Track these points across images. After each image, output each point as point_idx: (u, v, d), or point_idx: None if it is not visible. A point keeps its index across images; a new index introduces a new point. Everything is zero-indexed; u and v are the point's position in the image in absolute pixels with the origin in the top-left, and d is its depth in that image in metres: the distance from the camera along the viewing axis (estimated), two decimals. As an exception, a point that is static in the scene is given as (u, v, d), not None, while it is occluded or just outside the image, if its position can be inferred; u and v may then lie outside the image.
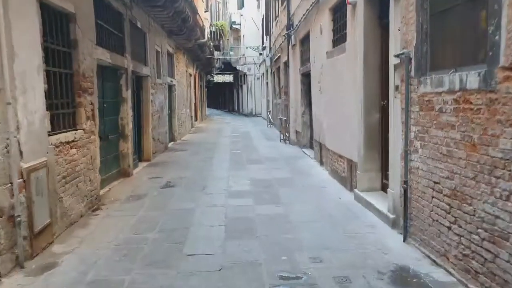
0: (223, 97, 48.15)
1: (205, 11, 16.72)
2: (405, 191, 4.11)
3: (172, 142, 13.31)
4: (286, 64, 13.38)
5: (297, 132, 12.05)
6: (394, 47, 4.34)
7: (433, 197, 3.60)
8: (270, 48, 20.00)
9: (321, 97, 8.07)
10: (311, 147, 10.66)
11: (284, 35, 12.97)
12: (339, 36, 6.79)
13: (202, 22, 14.96)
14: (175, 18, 10.80)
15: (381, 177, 5.49)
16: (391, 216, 4.51)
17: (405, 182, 4.10)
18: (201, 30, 15.32)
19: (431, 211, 3.58)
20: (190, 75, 18.89)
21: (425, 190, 3.74)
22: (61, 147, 4.48)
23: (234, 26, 34.79)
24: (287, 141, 12.69)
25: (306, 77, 10.74)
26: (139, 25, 8.70)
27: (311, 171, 7.88)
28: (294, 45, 11.65)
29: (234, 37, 36.70)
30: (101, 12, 6.25)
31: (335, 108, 6.80)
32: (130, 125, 7.84)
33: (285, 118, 13.16)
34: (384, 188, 5.42)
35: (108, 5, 6.69)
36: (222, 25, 21.37)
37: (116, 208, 5.48)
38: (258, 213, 5.11)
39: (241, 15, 32.83)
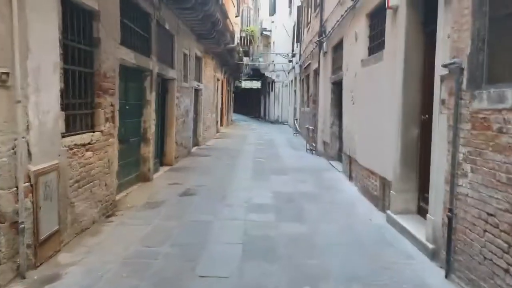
0: (250, 103, 47.99)
1: (236, 16, 16.52)
2: (450, 220, 3.61)
3: (196, 147, 13.09)
4: (316, 72, 12.95)
5: (324, 142, 11.57)
6: (442, 56, 3.87)
7: (485, 231, 3.10)
8: (300, 56, 19.62)
9: (353, 108, 7.60)
10: (339, 159, 10.16)
11: (315, 42, 12.56)
12: (376, 44, 6.34)
13: (232, 26, 14.75)
14: (205, 22, 10.58)
15: (417, 199, 4.97)
16: (431, 246, 4.01)
17: (450, 210, 3.61)
18: (231, 35, 15.12)
19: (483, 247, 3.08)
20: (218, 80, 18.72)
21: (475, 221, 3.25)
22: (75, 149, 4.24)
23: (264, 32, 34.61)
24: (314, 152, 12.23)
25: (337, 86, 10.28)
26: (167, 26, 8.50)
27: (338, 186, 7.40)
28: (325, 53, 11.22)
29: (264, 43, 36.52)
30: (127, 11, 6.04)
31: (369, 120, 6.33)
32: (153, 129, 7.60)
33: (312, 128, 12.71)
34: (420, 211, 4.91)
35: (136, 4, 6.49)
36: (252, 30, 21.16)
37: (131, 215, 5.20)
38: (280, 231, 4.70)
39: (272, 22, 32.60)
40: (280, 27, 29.23)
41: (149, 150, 7.48)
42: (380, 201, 5.68)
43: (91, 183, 4.62)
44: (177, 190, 6.73)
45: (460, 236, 3.49)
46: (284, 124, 28.65)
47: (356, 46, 7.38)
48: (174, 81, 9.34)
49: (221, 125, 20.81)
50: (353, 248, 4.24)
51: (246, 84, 35.35)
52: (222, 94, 20.83)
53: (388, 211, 5.14)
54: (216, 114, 18.13)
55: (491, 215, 3.04)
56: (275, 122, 30.50)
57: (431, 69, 4.54)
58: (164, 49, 8.63)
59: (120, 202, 5.66)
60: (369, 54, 6.64)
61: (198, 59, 12.99)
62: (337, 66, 10.03)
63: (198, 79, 13.21)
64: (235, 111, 55.57)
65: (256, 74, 35.43)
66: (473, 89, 3.31)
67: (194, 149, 12.53)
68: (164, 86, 9.03)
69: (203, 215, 5.25)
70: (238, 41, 18.13)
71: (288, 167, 9.41)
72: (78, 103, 4.49)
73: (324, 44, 11.19)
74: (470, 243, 3.31)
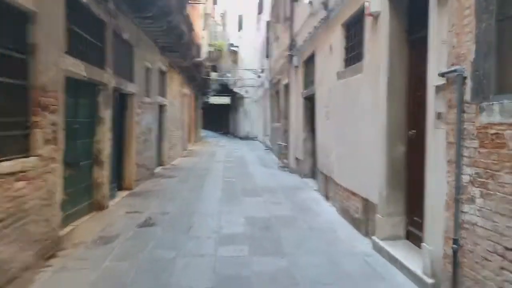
0: (219, 119, 47.31)
1: (203, 30, 15.95)
2: (455, 252, 3.08)
3: (161, 167, 12.23)
4: (287, 87, 12.51)
5: (297, 159, 11.04)
6: (436, 65, 3.39)
7: (503, 268, 2.57)
8: (270, 71, 19.25)
9: (328, 123, 7.11)
10: (313, 177, 9.64)
11: (286, 56, 12.14)
12: (353, 55, 5.88)
13: (199, 40, 14.15)
14: (169, 33, 9.93)
15: (405, 223, 4.45)
16: (429, 280, 3.45)
17: (455, 241, 3.08)
18: (197, 48, 14.53)
19: (503, 290, 2.55)
20: (185, 95, 17.99)
21: (489, 256, 2.72)
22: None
23: (232, 48, 34.25)
24: (286, 169, 11.67)
25: (309, 101, 9.82)
26: (125, 37, 7.78)
27: (315, 208, 6.82)
28: (296, 67, 10.80)
29: (232, 59, 36.11)
30: (76, 16, 5.30)
31: (347, 136, 5.82)
32: (108, 150, 6.79)
33: (284, 144, 12.19)
34: (410, 237, 4.38)
35: (87, 9, 5.75)
36: (220, 45, 20.65)
37: (77, 255, 4.37)
38: (256, 269, 4.00)
39: (240, 37, 32.34)
40: (248, 43, 28.99)
41: (103, 175, 6.64)
42: (363, 225, 5.13)
43: (23, 220, 3.77)
44: (136, 220, 5.92)
45: (468, 272, 2.95)
46: (253, 140, 28.12)
47: (330, 58, 6.93)
48: (134, 96, 8.57)
49: (189, 142, 19.99)
50: (342, 286, 3.62)
51: (214, 99, 34.72)
52: (189, 110, 20.07)
53: (374, 237, 4.58)
54: (183, 131, 17.33)
55: (510, 249, 2.52)
56: (245, 138, 29.94)
57: (418, 80, 4.08)
58: (122, 61, 7.88)
59: (65, 238, 4.80)
60: (346, 66, 6.18)
61: (162, 73, 12.26)
62: (309, 80, 9.59)
63: (163, 94, 12.45)
64: (204, 128, 54.68)
65: (225, 89, 34.90)
66: (480, 101, 2.82)
67: (158, 170, 11.68)
68: (122, 102, 8.24)
69: (164, 251, 4.48)
70: (206, 55, 17.54)
71: (261, 187, 8.77)
72: (6, 122, 3.68)
73: (295, 58, 10.77)
74: (483, 282, 2.77)
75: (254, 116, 29.08)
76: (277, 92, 16.01)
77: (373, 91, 4.77)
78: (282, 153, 12.32)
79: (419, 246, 4.10)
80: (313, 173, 9.75)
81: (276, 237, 5.02)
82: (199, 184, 9.16)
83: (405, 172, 4.42)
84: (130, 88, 8.16)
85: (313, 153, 9.69)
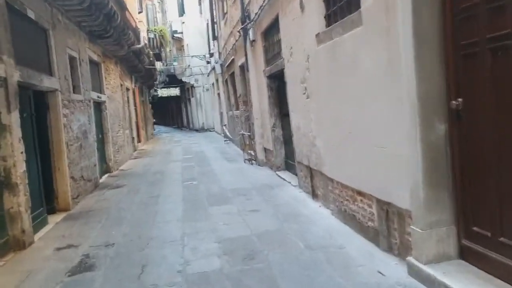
0: (171, 113, 44.94)
1: (139, 12, 13.94)
2: None
3: (107, 175, 10.36)
4: (243, 67, 10.95)
5: (266, 150, 9.60)
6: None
7: None
8: (220, 54, 17.56)
9: (308, 103, 5.67)
10: (289, 169, 8.26)
11: (238, 32, 10.55)
12: (341, 5, 4.42)
13: (136, 23, 12.20)
14: (94, 13, 8.03)
15: (457, 235, 3.12)
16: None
17: None
18: (134, 33, 12.56)
19: None
20: (128, 89, 15.94)
21: None
22: None
23: (176, 35, 31.94)
24: (254, 162, 10.20)
25: (275, 80, 8.36)
26: (32, 16, 5.85)
27: (304, 211, 5.41)
28: (253, 41, 9.25)
29: (177, 47, 33.86)
30: None
31: (344, 117, 4.39)
32: (22, 167, 4.97)
33: (248, 134, 10.68)
34: (467, 255, 3.04)
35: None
36: (161, 30, 18.63)
37: None
38: None
39: (183, 23, 30.10)
40: (192, 28, 26.98)
41: (19, 201, 4.84)
42: (384, 238, 3.77)
43: None
44: (68, 262, 4.22)
45: None
46: (210, 131, 26.42)
47: (303, 19, 5.45)
48: (57, 93, 6.67)
49: (139, 141, 17.99)
50: None
51: (163, 92, 32.48)
52: (135, 105, 18.01)
53: (411, 259, 3.22)
54: (131, 130, 15.35)
55: None
56: (201, 130, 28.13)
57: (465, 20, 2.71)
58: (32, 49, 5.98)
59: None
60: (329, 23, 4.72)
61: (95, 64, 10.27)
62: (272, 54, 8.10)
63: (99, 89, 10.48)
64: (155, 123, 52.09)
65: (173, 80, 32.68)
66: None
67: (104, 178, 9.81)
68: (40, 102, 6.34)
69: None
70: (146, 42, 15.53)
71: (230, 189, 7.25)
72: None
73: (251, 31, 9.21)
74: None
75: (208, 105, 27.30)
76: (231, 76, 14.41)
77: (385, 50, 3.36)
78: (247, 144, 10.83)
79: (484, 269, 2.80)
80: (288, 165, 8.36)
81: (268, 273, 3.51)
82: (153, 194, 7.47)
83: (451, 162, 3.07)
84: (48, 83, 6.26)
85: (286, 142, 8.29)
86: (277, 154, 8.60)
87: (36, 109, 6.10)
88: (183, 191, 7.45)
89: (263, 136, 9.61)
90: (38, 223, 5.62)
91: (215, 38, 18.87)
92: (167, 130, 37.01)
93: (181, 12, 30.26)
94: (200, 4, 25.81)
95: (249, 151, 10.63)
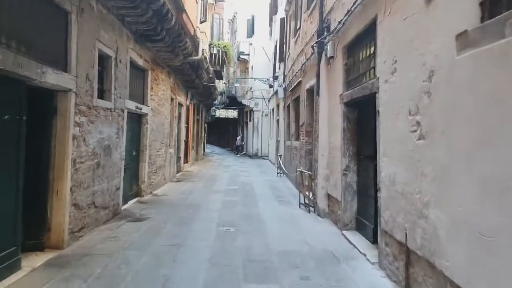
0: (227, 135, 43.94)
1: (202, 22, 12.62)
2: None
3: (136, 199, 8.74)
4: (312, 91, 9.00)
5: (330, 197, 7.44)
6: None
7: None
8: (285, 77, 15.83)
9: (420, 146, 3.52)
10: (360, 229, 6.05)
11: (312, 47, 8.66)
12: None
13: (195, 30, 10.78)
14: (141, 6, 6.57)
15: None
16: None
17: None
18: (193, 42, 11.14)
19: None
20: (181, 105, 14.61)
21: None
22: None
23: (242, 56, 31.07)
24: (312, 209, 8.04)
25: (355, 108, 6.30)
26: (45, -13, 4.38)
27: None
28: (331, 58, 7.29)
29: (242, 69, 32.95)
30: None
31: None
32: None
33: (309, 172, 8.57)
34: None
35: None
36: (225, 46, 17.32)
37: None
38: None
39: (251, 44, 29.12)
40: (260, 49, 25.72)
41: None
42: None
43: None
44: None
45: None
46: (264, 159, 24.58)
47: (429, 14, 3.38)
48: (68, 95, 5.11)
49: (186, 162, 16.52)
50: None
51: (221, 113, 31.38)
52: (187, 123, 16.67)
53: None
54: (176, 149, 13.87)
55: None
56: (254, 156, 26.40)
57: None
58: (37, 30, 4.47)
59: None
60: (491, 14, 2.61)
61: (140, 70, 8.86)
62: (357, 74, 6.06)
63: (141, 99, 9.03)
64: (210, 143, 51.62)
65: (233, 102, 31.60)
66: None
67: (130, 204, 8.18)
68: (43, 103, 4.81)
69: None
70: (207, 56, 14.19)
71: (278, 251, 5.17)
72: None
73: (329, 46, 7.26)
74: None
75: (265, 131, 25.59)
76: (295, 101, 12.50)
77: None
78: (306, 185, 8.71)
79: None
80: (359, 225, 6.15)
81: None
82: (176, 240, 5.58)
83: None
84: (55, 79, 4.70)
85: (361, 193, 6.12)
86: (346, 207, 6.41)
87: (34, 112, 4.54)
88: (214, 244, 5.46)
89: (328, 179, 7.47)
90: (4, 268, 3.94)
91: (281, 60, 17.26)
92: (220, 151, 35.80)
93: (250, 33, 29.33)
94: (270, 25, 24.57)
95: (307, 194, 8.50)
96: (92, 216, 6.01)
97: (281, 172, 14.80)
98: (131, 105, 7.95)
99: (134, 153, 8.76)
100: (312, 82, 8.99)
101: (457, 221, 2.84)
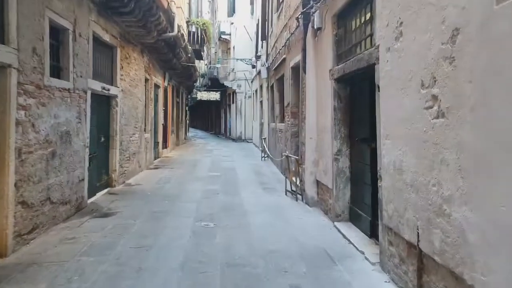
0: (210, 118, 42.94)
1: (177, -5, 11.58)
2: None
3: (106, 191, 7.92)
4: (298, 68, 8.23)
5: (319, 184, 6.77)
6: None
7: None
8: (268, 56, 14.98)
9: (439, 127, 2.82)
10: (353, 220, 5.42)
11: (297, 19, 7.85)
12: None
13: (168, 3, 9.81)
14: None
15: None
16: None
17: None
18: (167, 17, 10.18)
19: None
20: (157, 86, 13.65)
21: None
22: None
23: (223, 36, 29.91)
24: (300, 197, 7.38)
25: (347, 84, 5.58)
26: None
27: None
28: (318, 30, 6.50)
29: (223, 49, 31.80)
30: None
31: None
32: None
33: (295, 157, 7.86)
34: None
35: None
36: (204, 23, 16.26)
37: None
38: None
39: (232, 23, 27.97)
40: (241, 29, 24.65)
41: None
42: None
43: None
44: None
45: None
46: (248, 142, 23.85)
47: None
48: (8, 72, 4.23)
49: (165, 147, 15.65)
50: None
51: (202, 95, 30.34)
52: (166, 106, 15.73)
53: None
54: (154, 134, 12.98)
55: None
56: (238, 139, 25.63)
57: None
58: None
59: None
60: None
61: (106, 47, 7.92)
62: (349, 46, 5.32)
63: (109, 79, 8.12)
64: (194, 127, 50.54)
65: (215, 84, 30.56)
66: None
67: (98, 196, 7.37)
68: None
69: None
70: (184, 33, 13.19)
71: (263, 251, 4.48)
72: None
73: (316, 16, 6.47)
74: None
75: (248, 114, 24.78)
76: (279, 80, 11.72)
77: None
78: (292, 170, 8.01)
79: None
80: (353, 215, 5.50)
81: None
82: (146, 241, 4.83)
83: None
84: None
85: (355, 180, 5.45)
86: (338, 196, 5.74)
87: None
88: (189, 245, 4.72)
89: (317, 164, 6.78)
90: None
91: (264, 38, 16.37)
92: (203, 135, 34.91)
93: (231, 12, 28.16)
94: (252, 3, 23.50)
95: (294, 180, 7.82)
96: (48, 214, 5.20)
97: (265, 155, 14.11)
98: (96, 85, 7.05)
99: (102, 139, 7.90)
100: (298, 58, 8.21)
101: (499, 225, 2.15)
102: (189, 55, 15.57)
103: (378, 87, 3.99)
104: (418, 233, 3.11)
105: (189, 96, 29.75)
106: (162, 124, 14.84)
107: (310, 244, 4.77)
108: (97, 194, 7.50)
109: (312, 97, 6.93)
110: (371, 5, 4.35)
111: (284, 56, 10.09)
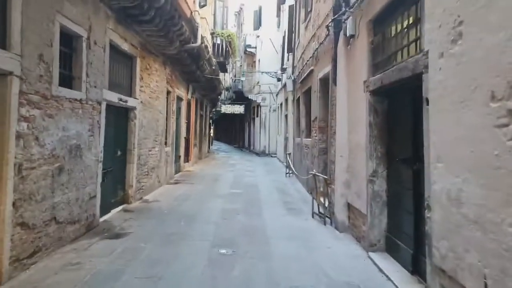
0: (234, 131, 42.66)
1: (202, 6, 11.31)
2: None
3: (121, 207, 7.50)
4: (327, 79, 7.66)
5: (350, 207, 6.10)
6: None
7: None
8: (294, 68, 14.48)
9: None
10: (391, 251, 4.73)
11: (327, 27, 7.31)
12: None
13: (192, 12, 9.47)
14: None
15: None
16: None
17: None
18: (190, 27, 9.86)
19: None
20: (180, 99, 13.34)
21: None
22: None
23: (248, 49, 29.73)
24: (328, 220, 6.72)
25: (383, 97, 4.96)
26: None
27: None
28: (351, 38, 5.93)
29: (248, 62, 31.60)
30: None
31: None
32: None
33: (324, 177, 7.21)
34: None
35: None
36: (229, 35, 15.95)
37: None
38: None
39: (258, 36, 27.75)
40: (267, 42, 24.34)
41: None
42: None
43: None
44: None
45: None
46: (272, 156, 23.26)
47: None
48: (8, 80, 3.85)
49: (187, 160, 15.26)
50: None
51: (226, 108, 30.07)
52: (188, 119, 15.40)
53: None
54: (175, 147, 12.61)
55: None
56: (261, 154, 25.08)
57: None
58: None
59: None
60: None
61: (125, 57, 7.60)
62: (387, 54, 4.71)
63: (128, 91, 7.77)
64: (218, 139, 50.44)
65: (240, 97, 30.29)
66: None
67: (112, 213, 6.95)
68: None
69: None
70: (208, 45, 12.87)
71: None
72: None
73: (349, 22, 5.91)
74: None
75: (272, 128, 24.25)
76: (306, 93, 11.16)
77: None
78: (320, 191, 7.36)
79: None
80: (391, 245, 4.81)
81: None
82: (155, 270, 4.30)
83: None
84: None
85: (394, 205, 4.78)
86: (373, 223, 5.07)
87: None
88: (203, 278, 4.15)
89: (349, 185, 6.13)
90: None
91: (290, 50, 15.91)
92: (226, 148, 34.58)
93: (257, 25, 27.96)
94: (278, 15, 23.16)
95: (321, 201, 7.17)
96: (53, 235, 4.76)
97: (290, 172, 13.48)
98: (112, 96, 6.69)
99: (118, 153, 7.52)
100: (327, 69, 7.64)
101: None
102: (213, 67, 15.24)
103: (427, 100, 3.36)
104: (485, 283, 2.45)
105: (213, 109, 29.54)
106: (185, 137, 14.49)
107: (342, 280, 4.12)
108: (111, 211, 7.08)
109: (343, 111, 6.32)
110: (416, 5, 3.76)
111: (311, 68, 9.54)
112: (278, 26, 23.53)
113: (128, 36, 7.36)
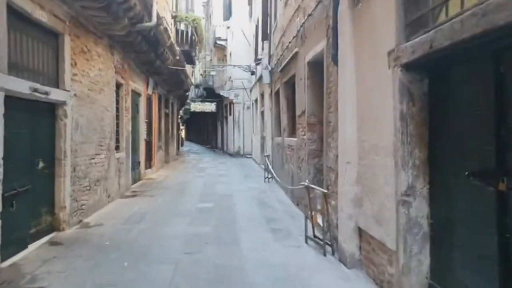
0: (206, 131, 40.48)
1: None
2: None
3: (47, 238, 5.48)
4: (319, 62, 5.86)
5: (362, 233, 4.30)
6: None
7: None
8: (270, 57, 12.68)
9: None
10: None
11: (320, -11, 5.49)
12: None
13: (143, -19, 7.45)
14: None
15: None
16: None
17: None
18: (143, 2, 7.82)
19: None
20: (138, 94, 11.27)
21: None
22: None
23: (219, 42, 27.71)
24: (330, 249, 4.91)
25: (423, 75, 3.16)
26: None
27: None
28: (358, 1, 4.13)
29: (219, 57, 29.59)
30: None
31: None
32: None
33: (322, 190, 5.33)
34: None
35: None
36: (194, 19, 13.95)
37: None
38: None
39: (228, 27, 25.81)
40: (238, 33, 22.45)
41: None
42: None
43: None
44: None
45: None
46: (247, 157, 21.41)
47: None
48: None
49: (150, 166, 13.18)
50: None
51: (196, 106, 27.93)
52: (149, 118, 13.31)
53: None
54: (133, 152, 10.52)
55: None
56: (236, 154, 23.18)
57: None
58: None
59: None
60: None
61: (46, 32, 5.52)
62: (435, 2, 2.91)
63: (52, 78, 5.72)
64: (189, 140, 48.12)
65: (210, 94, 28.22)
66: None
67: (30, 250, 4.92)
68: None
69: None
70: (169, 28, 10.85)
71: None
72: None
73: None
74: None
75: (247, 127, 22.40)
76: (287, 83, 9.36)
77: None
78: (317, 209, 5.50)
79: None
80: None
81: None
82: None
83: None
84: None
85: (448, 241, 2.98)
86: (409, 264, 3.29)
87: None
88: None
89: (360, 203, 4.33)
90: None
91: (266, 37, 14.09)
92: (198, 149, 32.47)
93: (227, 15, 26.00)
94: (250, 3, 21.29)
95: (322, 223, 5.34)
96: None
97: (269, 177, 11.66)
98: (19, 85, 4.64)
99: (40, 164, 5.46)
100: (319, 47, 5.84)
101: None
102: (177, 57, 13.18)
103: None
104: None
105: (182, 108, 27.38)
106: (145, 139, 12.41)
107: None
108: (28, 246, 5.03)
109: (348, 99, 4.51)
110: None
111: (295, 50, 7.72)
112: (251, 15, 21.66)
113: (46, 2, 5.30)
